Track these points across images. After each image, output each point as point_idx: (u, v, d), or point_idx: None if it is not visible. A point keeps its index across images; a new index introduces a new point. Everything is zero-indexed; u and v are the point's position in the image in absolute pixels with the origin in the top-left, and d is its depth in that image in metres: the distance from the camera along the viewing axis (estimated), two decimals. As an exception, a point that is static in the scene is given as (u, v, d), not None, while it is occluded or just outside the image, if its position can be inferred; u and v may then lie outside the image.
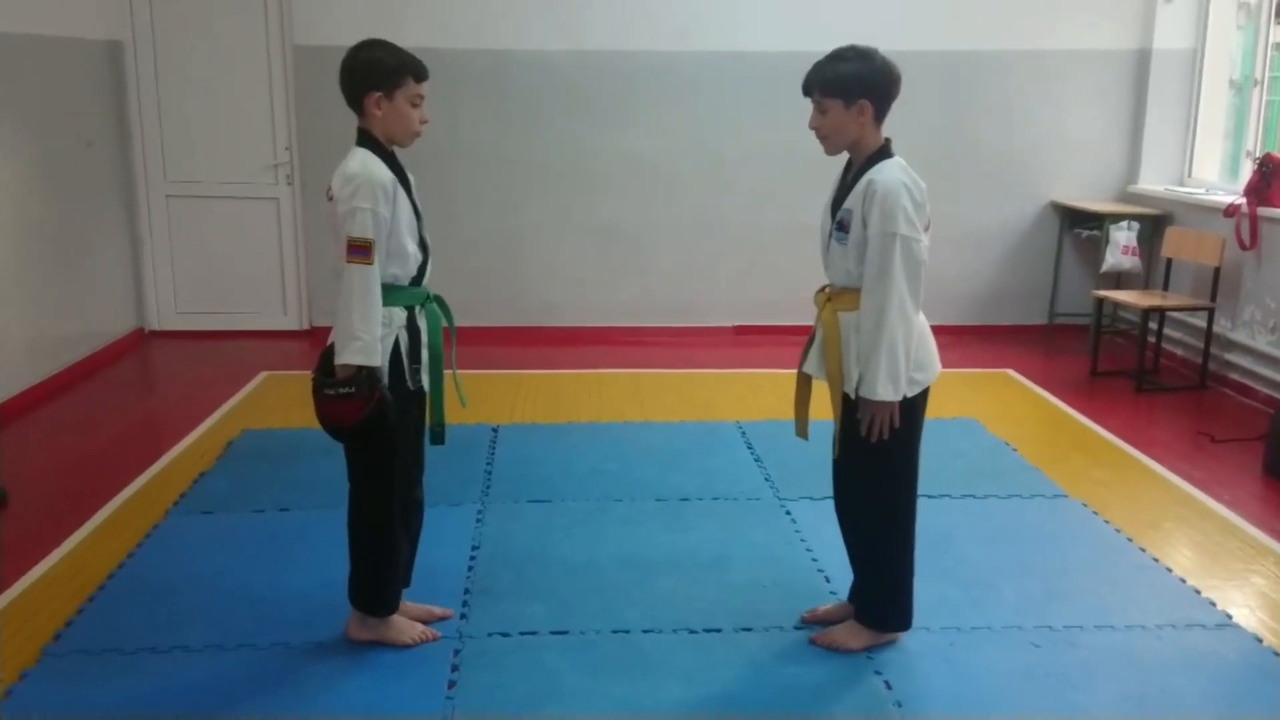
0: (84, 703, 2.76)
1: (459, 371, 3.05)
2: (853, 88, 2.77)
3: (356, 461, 2.89)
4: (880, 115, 2.81)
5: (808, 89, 2.85)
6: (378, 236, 2.69)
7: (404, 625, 3.02)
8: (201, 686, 2.84)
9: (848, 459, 2.94)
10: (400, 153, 2.87)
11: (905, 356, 2.74)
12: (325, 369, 2.75)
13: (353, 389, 2.69)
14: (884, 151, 2.82)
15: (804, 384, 3.04)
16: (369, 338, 2.68)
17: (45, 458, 4.62)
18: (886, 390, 2.73)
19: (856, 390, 2.82)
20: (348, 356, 2.68)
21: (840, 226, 2.83)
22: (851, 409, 2.85)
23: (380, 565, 2.94)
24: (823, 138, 2.87)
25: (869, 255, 2.75)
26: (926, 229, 2.77)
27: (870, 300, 2.76)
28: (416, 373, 2.84)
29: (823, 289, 2.95)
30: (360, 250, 2.67)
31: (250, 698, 2.79)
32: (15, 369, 5.17)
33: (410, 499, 3.01)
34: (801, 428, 3.07)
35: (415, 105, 2.78)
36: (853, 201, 2.79)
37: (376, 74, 2.73)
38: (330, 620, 3.09)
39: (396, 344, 2.79)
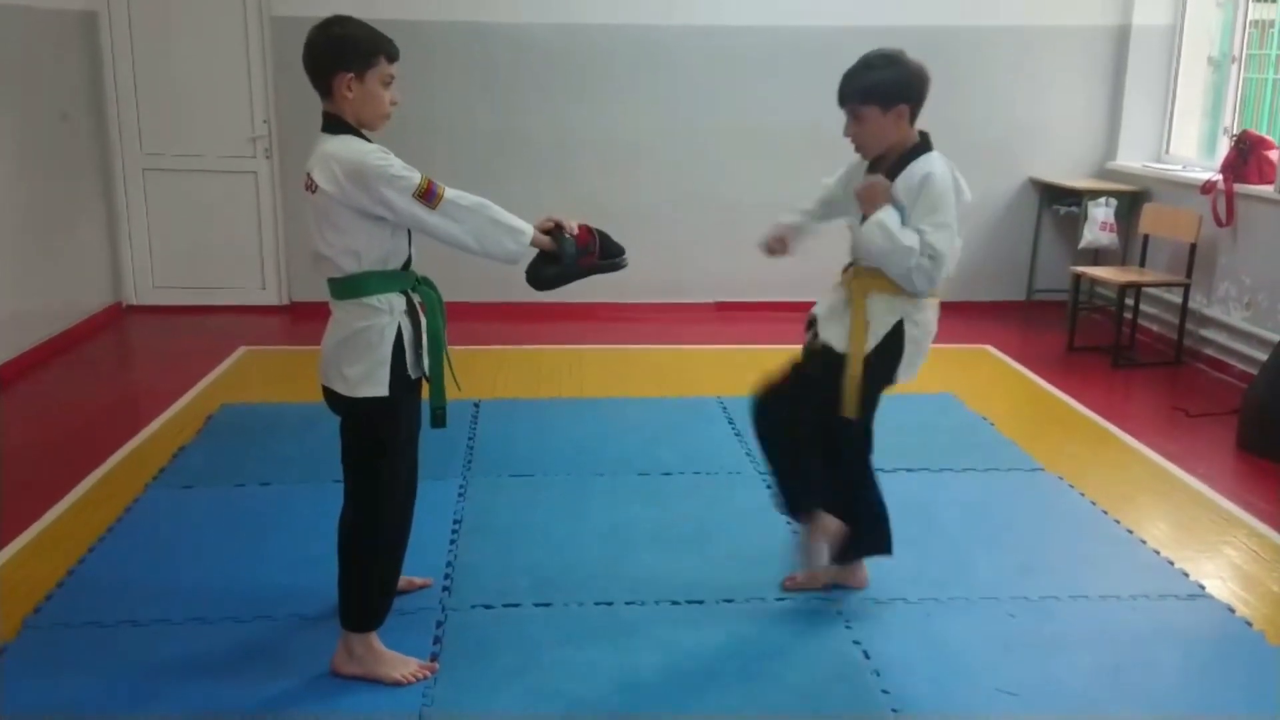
0: (65, 675, 2.75)
1: (450, 354, 2.93)
2: (891, 93, 2.82)
3: (360, 464, 2.70)
4: (915, 116, 2.87)
5: (843, 99, 2.88)
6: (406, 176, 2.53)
7: (397, 660, 2.77)
8: (184, 659, 2.84)
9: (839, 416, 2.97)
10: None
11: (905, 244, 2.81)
12: (556, 263, 2.71)
13: (586, 246, 2.71)
14: (925, 145, 2.88)
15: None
16: (517, 220, 2.64)
17: (23, 432, 4.58)
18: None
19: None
20: (531, 240, 2.65)
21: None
22: (868, 370, 2.90)
23: (383, 571, 2.75)
24: (860, 145, 2.91)
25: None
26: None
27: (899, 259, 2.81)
28: (419, 360, 2.68)
29: (848, 268, 2.98)
30: (430, 193, 2.52)
31: (233, 670, 2.79)
32: (-9, 343, 5.14)
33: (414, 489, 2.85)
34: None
35: (386, 86, 2.61)
36: (903, 194, 2.82)
37: (348, 53, 2.55)
38: (311, 593, 3.08)
39: (399, 333, 2.62)
